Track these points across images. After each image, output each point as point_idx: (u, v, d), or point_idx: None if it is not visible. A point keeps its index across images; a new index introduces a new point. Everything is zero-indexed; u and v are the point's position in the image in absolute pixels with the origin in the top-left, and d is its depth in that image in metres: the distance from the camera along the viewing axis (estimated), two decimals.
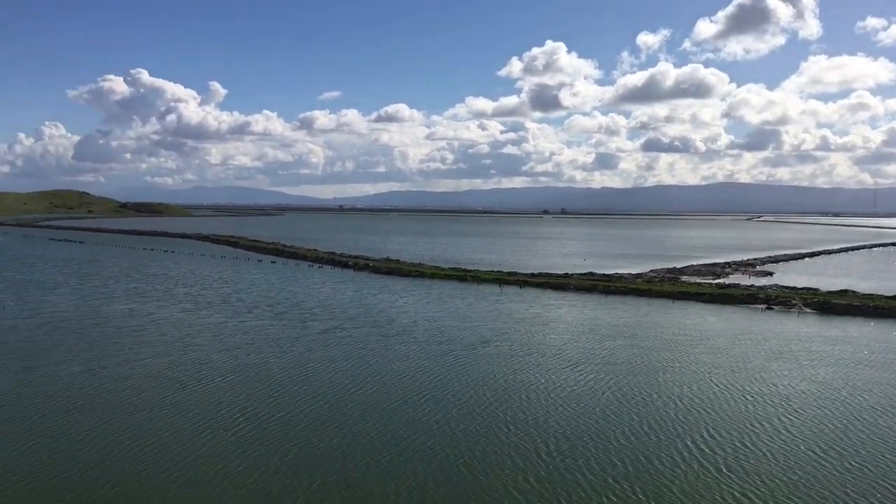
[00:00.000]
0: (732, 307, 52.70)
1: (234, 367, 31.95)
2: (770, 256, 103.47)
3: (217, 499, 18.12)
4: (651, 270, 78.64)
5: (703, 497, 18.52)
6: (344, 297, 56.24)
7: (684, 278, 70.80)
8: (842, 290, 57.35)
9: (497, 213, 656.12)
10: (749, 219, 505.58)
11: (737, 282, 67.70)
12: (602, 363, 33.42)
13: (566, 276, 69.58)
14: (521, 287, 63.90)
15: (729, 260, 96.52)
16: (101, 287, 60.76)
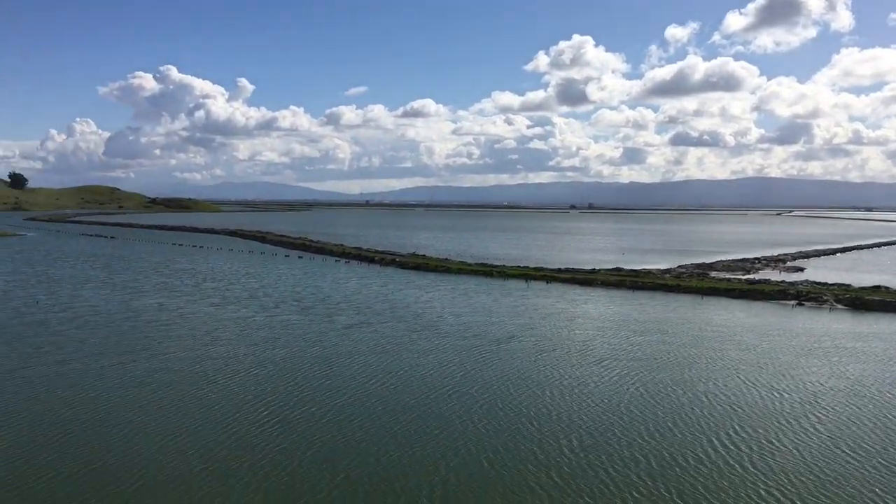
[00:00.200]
0: (762, 303, 52.07)
1: (261, 361, 32.22)
2: (801, 252, 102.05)
3: (242, 491, 18.30)
4: (679, 266, 77.94)
5: (728, 495, 18.33)
6: (370, 291, 56.44)
7: (713, 274, 70.00)
8: (874, 286, 56.37)
9: (523, 209, 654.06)
10: (779, 214, 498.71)
11: (767, 277, 66.84)
12: (628, 359, 33.20)
13: (593, 271, 69.16)
14: (547, 282, 63.67)
15: (759, 255, 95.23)
16: (131, 282, 61.59)
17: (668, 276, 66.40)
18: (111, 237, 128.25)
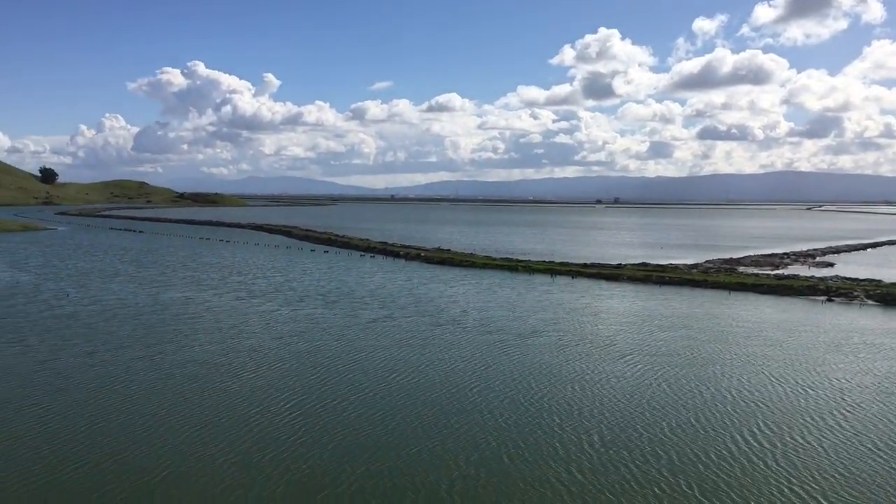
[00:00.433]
0: (791, 299, 51.42)
1: (286, 354, 32.46)
2: (831, 247, 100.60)
3: (265, 483, 18.48)
4: (707, 261, 77.18)
5: (753, 491, 18.15)
6: (394, 286, 56.60)
7: (741, 269, 69.28)
8: None
9: (549, 203, 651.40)
10: (809, 208, 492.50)
11: (796, 273, 65.95)
12: (653, 354, 32.98)
13: (619, 266, 68.73)
14: (573, 277, 63.39)
15: (788, 250, 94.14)
16: (159, 275, 62.33)
17: (695, 271, 65.79)
18: (140, 231, 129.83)
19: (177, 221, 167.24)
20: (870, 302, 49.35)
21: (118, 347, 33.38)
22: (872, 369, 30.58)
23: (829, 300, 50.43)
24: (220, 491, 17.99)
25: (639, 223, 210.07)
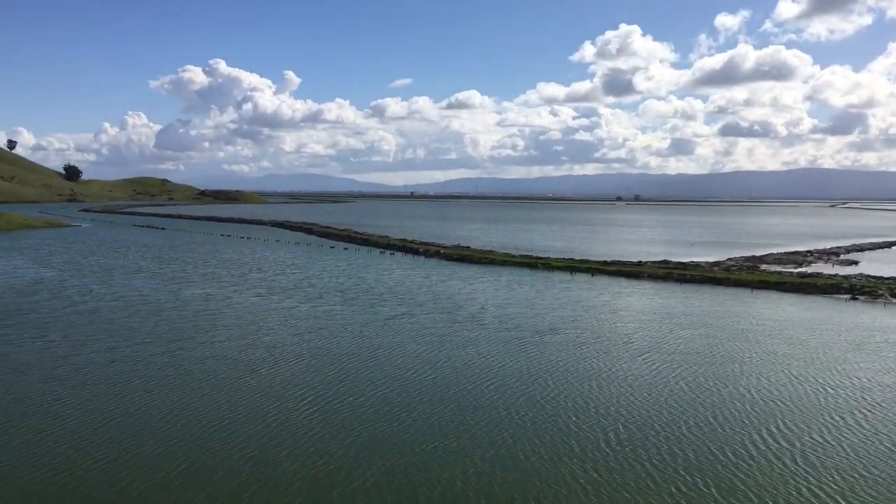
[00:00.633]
0: (814, 297, 50.85)
1: (305, 351, 32.60)
2: (855, 245, 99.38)
3: (283, 478, 18.57)
4: (729, 259, 76.60)
5: (774, 491, 17.97)
6: (413, 283, 56.65)
7: (764, 267, 68.66)
8: None
9: (568, 201, 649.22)
10: (833, 206, 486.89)
11: (819, 271, 65.29)
12: (673, 352, 32.75)
13: (640, 264, 68.36)
14: (592, 275, 63.11)
15: (811, 248, 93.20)
16: (180, 271, 62.84)
17: (716, 268, 65.27)
18: (161, 228, 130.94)
19: (198, 218, 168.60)
20: (894, 300, 48.69)
21: (139, 343, 33.70)
22: (895, 368, 30.17)
23: (853, 298, 49.81)
24: (237, 486, 18.11)
25: (660, 220, 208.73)
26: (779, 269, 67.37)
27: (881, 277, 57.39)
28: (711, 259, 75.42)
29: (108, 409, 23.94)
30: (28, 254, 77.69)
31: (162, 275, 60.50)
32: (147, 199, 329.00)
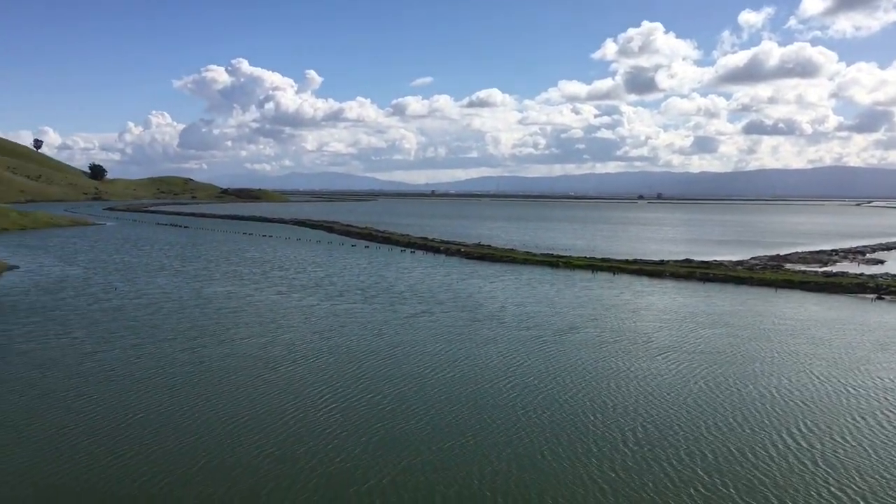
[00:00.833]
0: (839, 296, 50.19)
1: (325, 348, 32.73)
2: (881, 244, 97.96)
3: (302, 475, 18.65)
4: (752, 258, 75.88)
5: (796, 491, 17.78)
6: (434, 281, 56.69)
7: (788, 266, 67.89)
8: None
9: (590, 199, 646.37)
10: (859, 204, 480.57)
11: (845, 270, 64.43)
12: (694, 351, 32.49)
13: (662, 262, 67.89)
14: (614, 273, 62.77)
15: (837, 247, 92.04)
16: (202, 270, 63.35)
17: (740, 267, 64.67)
18: (185, 227, 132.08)
19: (220, 217, 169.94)
20: None
21: (162, 340, 34.02)
22: None
23: (879, 298, 49.10)
24: (256, 482, 18.22)
25: (682, 219, 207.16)
26: (803, 268, 66.59)
27: None
28: (735, 258, 74.75)
29: (131, 405, 24.19)
30: (54, 252, 78.71)
31: (185, 273, 61.04)
32: (170, 198, 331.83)
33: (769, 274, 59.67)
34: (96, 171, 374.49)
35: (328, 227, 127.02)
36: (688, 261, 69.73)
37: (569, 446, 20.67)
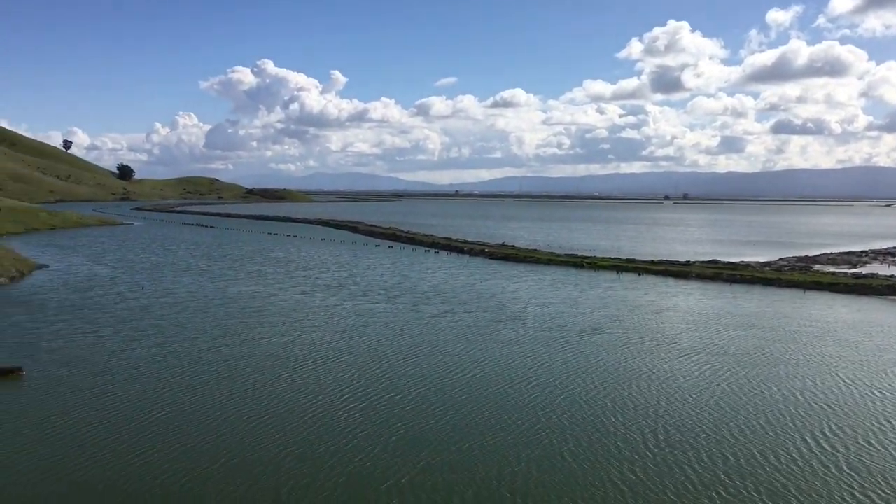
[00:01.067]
0: (868, 298, 49.41)
1: (347, 348, 32.83)
2: None
3: (324, 473, 18.71)
4: (780, 259, 75.07)
5: (820, 496, 17.51)
6: (457, 281, 56.66)
7: (817, 267, 67.03)
8: None
9: (615, 199, 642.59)
10: (889, 204, 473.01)
11: (875, 272, 63.44)
12: (719, 353, 32.14)
13: (688, 263, 67.30)
14: (639, 274, 62.31)
15: (866, 248, 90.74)
16: (227, 269, 63.88)
17: (767, 269, 63.95)
18: (210, 226, 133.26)
19: (245, 217, 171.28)
20: None
21: (187, 339, 34.34)
22: None
23: None
24: (277, 481, 18.31)
25: (708, 219, 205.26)
26: (832, 269, 65.67)
27: None
28: (762, 259, 73.97)
29: (156, 402, 24.43)
30: (82, 251, 79.80)
31: (210, 272, 61.58)
32: (196, 198, 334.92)
33: (797, 275, 58.92)
34: (124, 172, 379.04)
35: (352, 228, 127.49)
36: (714, 262, 69.07)
37: (590, 448, 20.54)
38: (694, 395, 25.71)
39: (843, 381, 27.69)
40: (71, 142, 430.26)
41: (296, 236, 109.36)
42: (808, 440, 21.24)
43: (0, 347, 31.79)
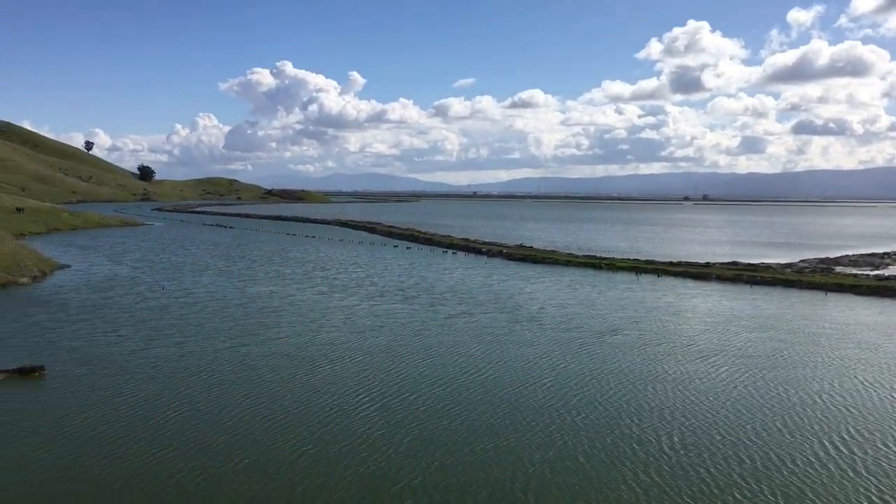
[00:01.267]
0: (890, 300, 48.81)
1: (364, 348, 32.92)
2: None
3: (339, 473, 18.78)
4: (801, 260, 74.32)
5: (838, 500, 17.33)
6: (474, 282, 56.64)
7: (838, 269, 66.29)
8: None
9: (634, 200, 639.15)
10: None
11: None
12: (737, 355, 31.89)
13: (707, 265, 66.82)
14: (658, 276, 61.96)
15: (889, 250, 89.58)
16: (246, 269, 64.26)
17: (788, 270, 63.34)
18: (229, 227, 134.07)
19: (264, 217, 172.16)
20: None
21: (205, 338, 34.58)
22: None
23: None
24: (293, 480, 18.39)
25: (728, 221, 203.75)
26: (854, 271, 64.94)
27: None
28: (783, 260, 73.29)
29: (173, 401, 24.62)
30: (103, 251, 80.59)
31: (229, 272, 61.98)
32: (216, 199, 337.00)
33: (819, 277, 58.33)
34: (145, 172, 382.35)
35: (371, 228, 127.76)
36: (734, 263, 68.53)
37: (605, 450, 20.45)
38: (711, 398, 25.53)
39: (863, 384, 27.38)
40: (92, 143, 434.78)
41: (314, 237, 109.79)
42: (826, 443, 21.03)
43: (22, 346, 32.19)
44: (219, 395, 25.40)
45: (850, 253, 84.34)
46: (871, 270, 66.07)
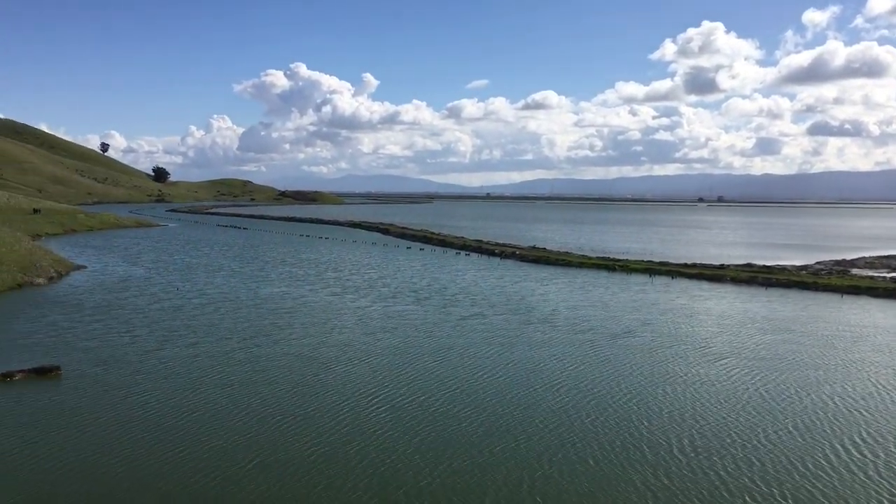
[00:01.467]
0: None
1: (375, 349, 33.01)
2: None
3: (350, 474, 18.86)
4: (817, 262, 73.93)
5: (850, 503, 17.22)
6: (487, 284, 56.63)
7: (854, 271, 65.87)
8: None
9: (648, 202, 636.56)
10: None
11: None
12: (751, 358, 31.74)
13: (722, 267, 66.49)
14: (672, 277, 61.73)
15: None
16: (259, 270, 64.54)
17: (804, 272, 62.98)
18: (243, 228, 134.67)
19: (278, 219, 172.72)
20: None
21: (219, 339, 34.78)
22: None
23: None
24: (307, 482, 18.48)
25: (743, 222, 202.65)
26: (870, 273, 64.47)
27: None
28: (799, 262, 72.90)
29: (187, 402, 24.79)
30: (118, 252, 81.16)
31: (242, 273, 62.28)
32: (230, 200, 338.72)
33: (834, 279, 57.93)
34: (160, 174, 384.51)
35: (384, 230, 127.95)
36: (749, 265, 68.18)
37: (618, 452, 20.42)
38: (724, 400, 25.43)
39: (877, 387, 27.19)
40: (108, 145, 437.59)
41: (327, 238, 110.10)
42: (839, 447, 20.91)
43: (38, 347, 32.49)
44: (232, 396, 25.55)
45: (866, 255, 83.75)
46: (888, 273, 65.57)
